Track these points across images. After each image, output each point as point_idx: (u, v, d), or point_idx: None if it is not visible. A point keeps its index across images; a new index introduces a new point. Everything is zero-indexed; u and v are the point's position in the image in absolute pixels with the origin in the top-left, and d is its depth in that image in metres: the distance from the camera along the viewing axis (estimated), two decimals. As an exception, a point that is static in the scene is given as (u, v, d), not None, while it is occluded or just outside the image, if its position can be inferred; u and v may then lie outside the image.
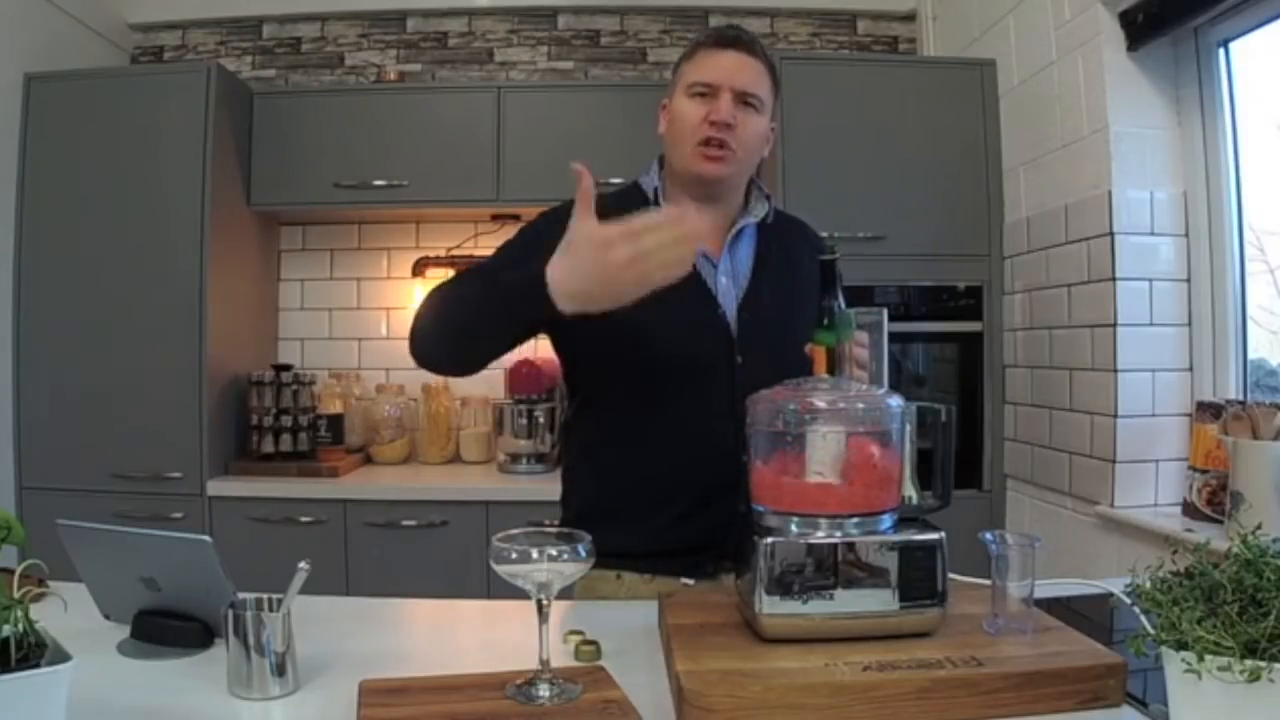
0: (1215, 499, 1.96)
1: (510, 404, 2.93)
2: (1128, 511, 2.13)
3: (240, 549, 2.34)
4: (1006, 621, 1.06)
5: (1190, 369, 2.19)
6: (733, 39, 1.39)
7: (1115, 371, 2.15)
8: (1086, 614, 1.22)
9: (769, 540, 1.02)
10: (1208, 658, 0.75)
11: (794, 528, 1.05)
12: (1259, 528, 0.88)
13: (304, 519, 2.64)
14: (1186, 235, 2.18)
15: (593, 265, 1.09)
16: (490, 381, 3.06)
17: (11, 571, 0.84)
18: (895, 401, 1.08)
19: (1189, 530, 1.94)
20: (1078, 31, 2.27)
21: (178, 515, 2.63)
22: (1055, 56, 2.37)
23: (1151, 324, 2.17)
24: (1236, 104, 2.11)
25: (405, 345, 1.35)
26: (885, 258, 2.62)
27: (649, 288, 1.10)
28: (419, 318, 1.36)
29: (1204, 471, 2.00)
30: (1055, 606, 1.18)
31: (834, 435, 1.05)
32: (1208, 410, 2.03)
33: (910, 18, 3.28)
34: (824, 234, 1.61)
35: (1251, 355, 2.12)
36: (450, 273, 2.79)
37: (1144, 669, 0.94)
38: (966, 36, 2.87)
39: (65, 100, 2.73)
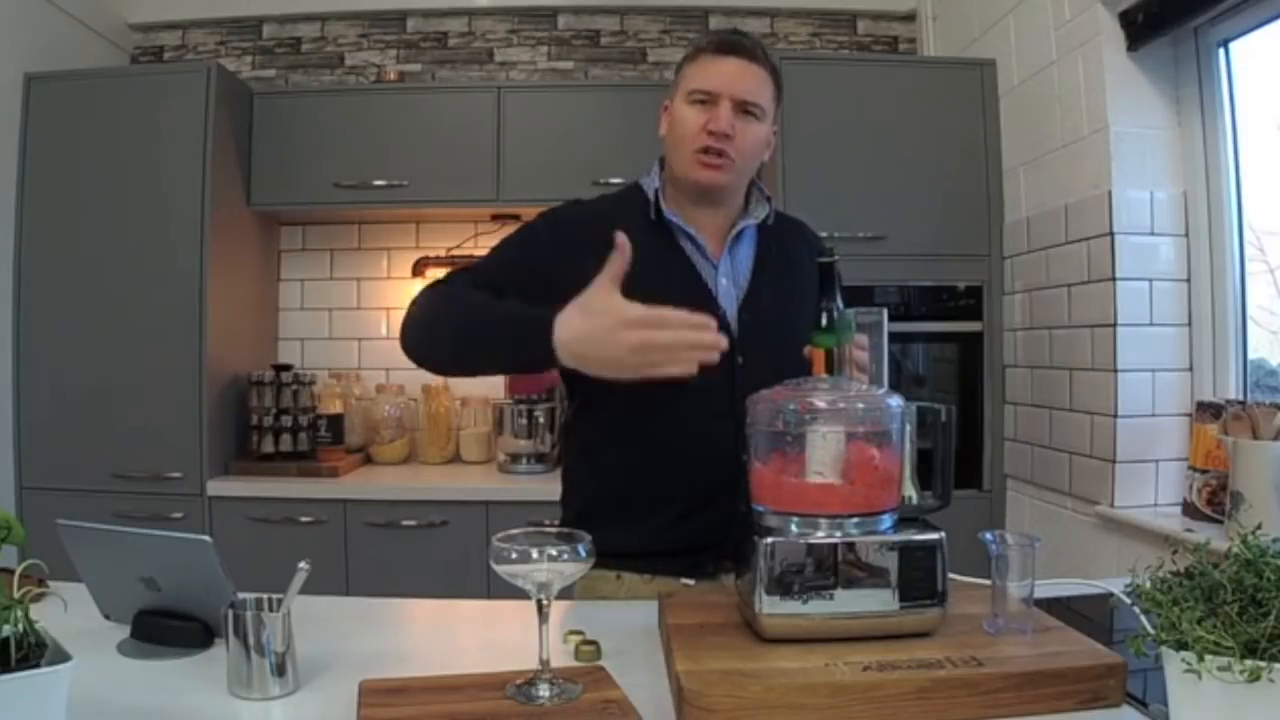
0: (1215, 499, 1.96)
1: (510, 404, 2.93)
2: (1128, 511, 2.13)
3: (240, 549, 2.34)
4: (1006, 621, 1.06)
5: (1190, 369, 2.19)
6: (735, 45, 1.38)
7: (1115, 371, 2.15)
8: (1086, 614, 1.22)
9: (769, 540, 1.02)
10: (1208, 658, 0.75)
11: (794, 528, 1.05)
12: (1259, 528, 0.88)
13: (304, 519, 2.64)
14: (1186, 235, 2.18)
15: (605, 337, 1.13)
16: (490, 381, 3.07)
17: (11, 571, 0.84)
18: (895, 401, 1.08)
19: (1189, 530, 1.94)
20: (1078, 31, 2.27)
21: (178, 515, 2.63)
22: (1055, 56, 2.37)
23: (1151, 324, 2.17)
24: (1236, 104, 2.11)
25: (406, 346, 1.37)
26: (885, 258, 2.62)
27: (649, 376, 1.13)
28: (415, 316, 1.38)
29: (1204, 471, 2.00)
30: (1055, 606, 1.18)
31: (834, 435, 1.05)
32: (1208, 410, 2.03)
33: (910, 18, 3.28)
34: (823, 234, 1.62)
35: (1251, 355, 2.12)
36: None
37: (1144, 669, 0.94)
38: (966, 36, 2.87)
39: (65, 100, 2.73)
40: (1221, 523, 1.90)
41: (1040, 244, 2.47)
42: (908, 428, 1.11)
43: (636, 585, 1.41)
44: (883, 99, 2.68)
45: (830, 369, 1.15)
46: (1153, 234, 2.17)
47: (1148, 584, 0.84)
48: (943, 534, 1.05)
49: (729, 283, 1.43)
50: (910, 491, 1.13)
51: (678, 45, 3.27)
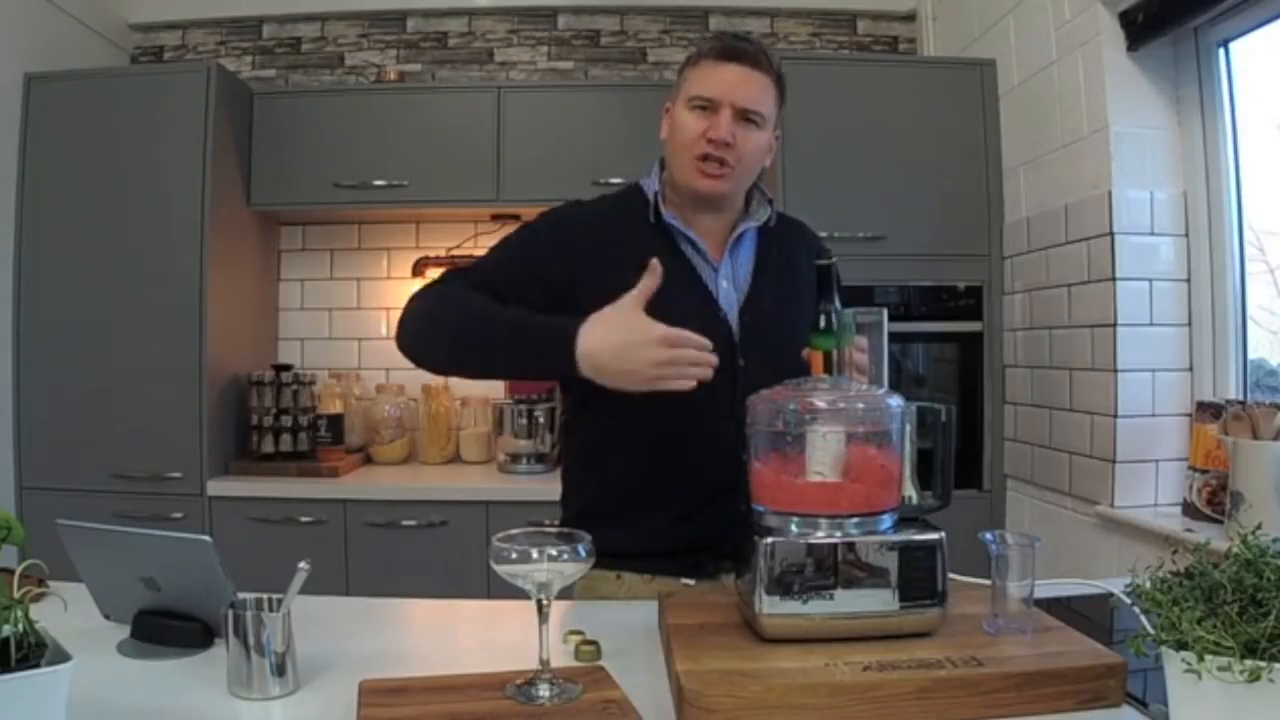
0: (1215, 499, 1.96)
1: (510, 404, 2.93)
2: (1128, 511, 2.13)
3: (240, 549, 2.34)
4: (1006, 621, 1.06)
5: (1190, 369, 2.19)
6: (737, 52, 1.37)
7: (1115, 371, 2.15)
8: (1086, 614, 1.22)
9: (769, 540, 1.02)
10: (1208, 658, 0.75)
11: (794, 528, 1.05)
12: (1259, 528, 0.88)
13: (304, 519, 2.64)
14: (1186, 235, 2.18)
15: (633, 353, 1.20)
16: (490, 382, 3.07)
17: (11, 571, 0.84)
18: (895, 401, 1.08)
19: (1189, 530, 1.94)
20: (1078, 31, 2.27)
21: (178, 515, 2.63)
22: (1055, 56, 2.37)
23: (1151, 324, 2.16)
24: (1236, 104, 2.11)
25: (405, 346, 1.37)
26: (885, 258, 2.62)
27: (659, 388, 1.20)
28: (412, 315, 1.38)
29: (1204, 471, 2.00)
30: (1055, 606, 1.18)
31: (834, 435, 1.06)
32: (1208, 410, 2.03)
33: (910, 18, 3.28)
34: (823, 234, 1.62)
35: (1251, 355, 2.12)
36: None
37: (1144, 669, 0.94)
38: (966, 36, 2.87)
39: (65, 100, 2.73)
40: (1221, 523, 1.90)
41: (1040, 244, 2.47)
42: (908, 428, 1.11)
43: (636, 585, 1.41)
44: (883, 99, 2.68)
45: (829, 372, 1.15)
46: (1153, 234, 2.17)
47: (1148, 584, 0.84)
48: (943, 534, 1.05)
49: (730, 285, 1.43)
50: (910, 491, 1.13)
51: (678, 45, 3.27)
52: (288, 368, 2.93)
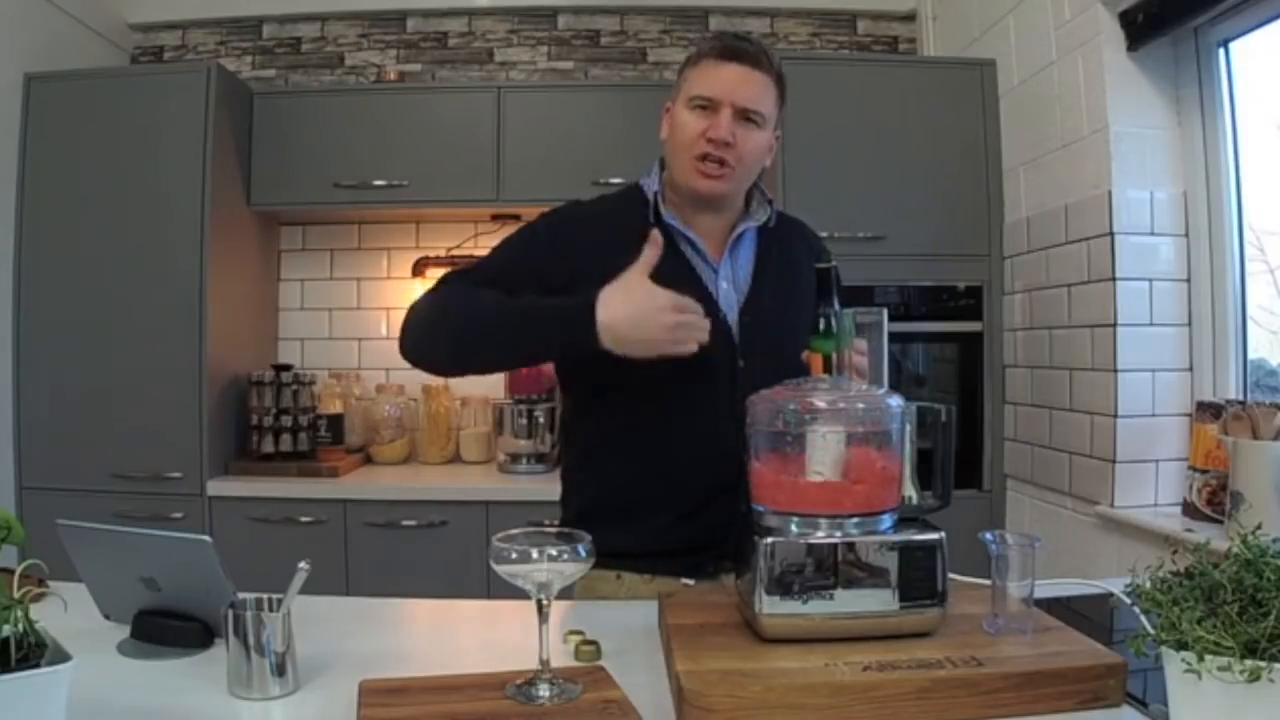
0: (1215, 499, 1.96)
1: (510, 404, 2.93)
2: (1128, 511, 2.13)
3: (240, 549, 2.34)
4: (1006, 621, 1.06)
5: (1190, 369, 2.19)
6: (737, 51, 1.37)
7: (1115, 371, 2.15)
8: (1086, 614, 1.22)
9: (769, 540, 1.02)
10: (1208, 658, 0.75)
11: (794, 528, 1.05)
12: (1259, 528, 0.88)
13: (304, 519, 2.64)
14: (1186, 235, 2.18)
15: (648, 319, 1.25)
16: (490, 381, 3.07)
17: (11, 571, 0.84)
18: (895, 401, 1.08)
19: (1189, 530, 1.94)
20: (1078, 31, 2.27)
21: (178, 515, 2.63)
22: (1055, 56, 2.37)
23: (1151, 324, 2.16)
24: (1236, 104, 2.11)
25: (406, 346, 1.37)
26: (885, 258, 2.62)
27: (673, 352, 1.25)
28: (418, 316, 1.39)
29: (1204, 471, 2.00)
30: (1055, 606, 1.18)
31: (834, 435, 1.06)
32: (1208, 410, 2.03)
33: (910, 18, 3.28)
34: (823, 234, 1.62)
35: (1251, 355, 2.12)
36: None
37: (1144, 669, 0.94)
38: (966, 36, 2.87)
39: (65, 100, 2.73)
40: (1221, 523, 1.89)
41: (1040, 244, 2.47)
42: (908, 428, 1.11)
43: (636, 585, 1.41)
44: (883, 99, 2.68)
45: (829, 375, 1.15)
46: (1153, 234, 2.17)
47: (1148, 584, 0.84)
48: (943, 534, 1.05)
49: (729, 286, 1.43)
50: (910, 491, 1.13)
51: (678, 45, 3.27)
52: (288, 368, 2.93)
